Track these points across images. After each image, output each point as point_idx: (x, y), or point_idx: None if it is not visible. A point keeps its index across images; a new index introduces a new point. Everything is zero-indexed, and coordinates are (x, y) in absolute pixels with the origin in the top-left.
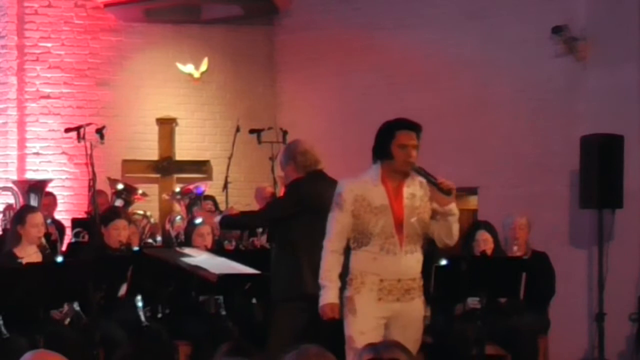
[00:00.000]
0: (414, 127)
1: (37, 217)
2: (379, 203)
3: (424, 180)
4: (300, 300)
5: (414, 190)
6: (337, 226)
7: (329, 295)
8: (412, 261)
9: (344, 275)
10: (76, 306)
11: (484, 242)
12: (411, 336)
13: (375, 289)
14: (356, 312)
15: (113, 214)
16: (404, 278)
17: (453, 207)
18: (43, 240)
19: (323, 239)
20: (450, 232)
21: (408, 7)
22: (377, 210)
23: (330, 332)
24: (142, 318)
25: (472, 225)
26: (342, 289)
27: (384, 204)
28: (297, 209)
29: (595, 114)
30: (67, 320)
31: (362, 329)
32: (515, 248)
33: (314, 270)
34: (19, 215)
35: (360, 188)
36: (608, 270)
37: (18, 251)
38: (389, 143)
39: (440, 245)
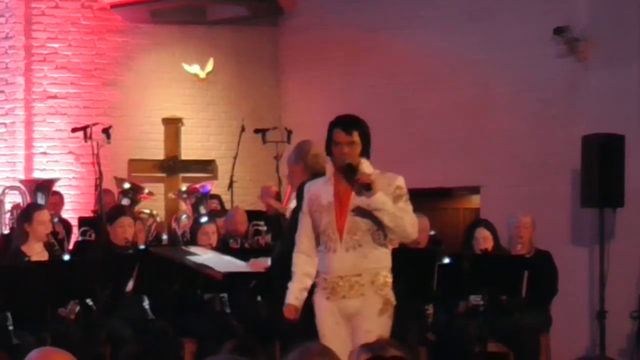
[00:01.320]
0: (347, 124)
1: (44, 215)
2: (327, 201)
3: (382, 175)
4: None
5: None
6: (300, 227)
7: (288, 297)
8: (356, 257)
9: None
10: (89, 301)
11: (484, 239)
12: (361, 328)
13: (322, 287)
14: (316, 315)
15: (118, 212)
16: (347, 274)
17: (372, 202)
18: (50, 237)
19: None
20: (388, 227)
21: (411, 8)
22: (324, 208)
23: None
24: (148, 316)
25: (472, 223)
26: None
27: (330, 201)
28: None
29: (597, 114)
30: (72, 316)
31: (322, 332)
32: (519, 246)
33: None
34: (26, 213)
35: (316, 187)
36: (609, 268)
37: (25, 248)
38: (329, 141)
39: (401, 241)
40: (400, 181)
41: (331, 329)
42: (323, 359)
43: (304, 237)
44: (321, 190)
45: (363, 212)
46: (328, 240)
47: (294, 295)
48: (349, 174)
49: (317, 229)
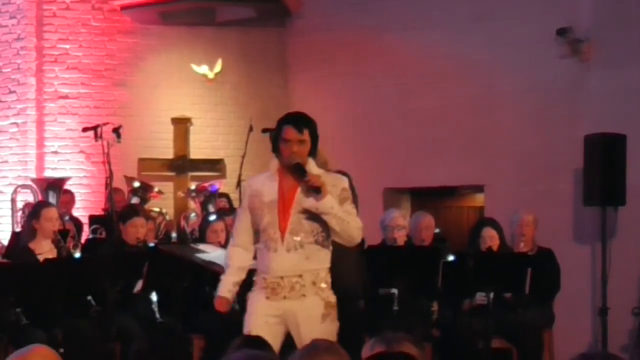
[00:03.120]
0: (299, 122)
1: (52, 212)
2: (270, 198)
3: (329, 176)
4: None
5: None
6: (238, 221)
7: (220, 289)
8: (298, 258)
9: None
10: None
11: (490, 238)
12: (307, 334)
13: (262, 286)
14: (247, 311)
15: (132, 211)
16: (288, 275)
17: (321, 205)
18: (57, 235)
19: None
20: (334, 230)
21: (416, 10)
22: (265, 206)
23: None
24: (157, 313)
25: (478, 222)
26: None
27: (273, 199)
28: None
29: (599, 114)
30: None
31: (249, 329)
32: (522, 244)
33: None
34: (34, 210)
35: (258, 183)
36: (611, 265)
37: (33, 245)
38: (278, 138)
39: (346, 244)
40: (345, 183)
41: (260, 328)
42: (330, 356)
43: (242, 232)
44: (264, 186)
45: (309, 214)
46: (269, 240)
47: (227, 288)
48: (297, 174)
49: (257, 226)
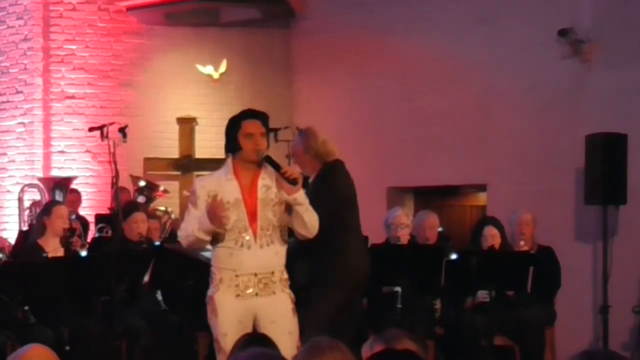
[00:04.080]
0: (259, 116)
1: (62, 210)
2: (232, 197)
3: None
4: (338, 287)
5: (269, 182)
6: (189, 220)
7: (203, 223)
8: (269, 254)
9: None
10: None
11: (492, 237)
12: (284, 329)
13: (233, 285)
14: (217, 313)
15: (131, 208)
16: (261, 272)
17: (299, 196)
18: (67, 233)
19: (354, 227)
20: (303, 222)
21: (420, 11)
22: (230, 205)
23: (357, 319)
24: (162, 304)
25: (480, 221)
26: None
27: (237, 198)
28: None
29: (600, 114)
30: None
31: (224, 331)
32: (522, 243)
33: (347, 258)
34: (46, 207)
35: (212, 184)
36: (612, 264)
37: (42, 242)
38: (236, 134)
39: (299, 237)
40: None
41: (234, 328)
42: (333, 353)
43: (193, 222)
44: (221, 186)
45: (273, 210)
46: (239, 238)
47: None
48: (272, 166)
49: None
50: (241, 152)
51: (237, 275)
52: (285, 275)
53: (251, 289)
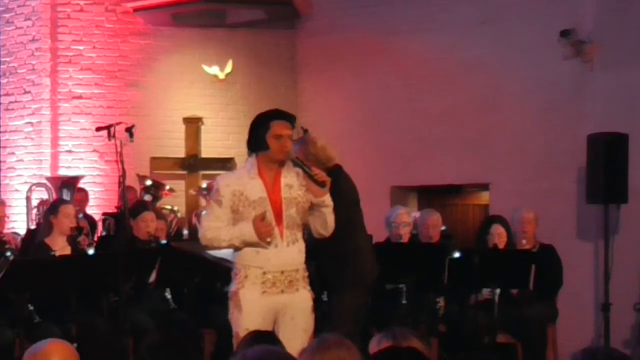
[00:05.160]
0: (288, 117)
1: (69, 208)
2: (257, 196)
3: (300, 171)
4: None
5: (291, 180)
6: (212, 217)
7: (246, 229)
8: (295, 252)
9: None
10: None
11: (499, 235)
12: (300, 326)
13: (259, 282)
14: (242, 308)
15: (141, 207)
16: (287, 269)
17: (327, 198)
18: (74, 231)
19: (362, 228)
20: (325, 223)
21: (423, 12)
22: (256, 204)
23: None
24: (171, 304)
25: (488, 219)
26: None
27: (262, 196)
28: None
29: (601, 114)
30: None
31: (247, 326)
32: (524, 241)
33: (360, 258)
34: (52, 206)
35: (237, 183)
36: (613, 262)
37: (49, 241)
38: (264, 134)
39: (317, 235)
40: None
41: (257, 324)
42: (339, 350)
43: (218, 221)
44: (245, 185)
45: (295, 209)
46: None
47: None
48: (303, 169)
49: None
50: (268, 152)
51: (264, 273)
52: (306, 273)
53: (277, 286)
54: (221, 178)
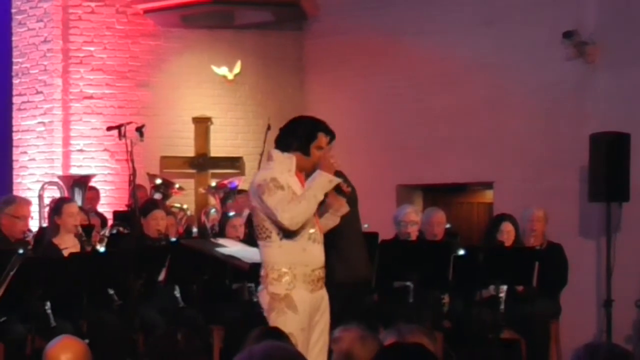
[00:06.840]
0: (333, 134)
1: (73, 207)
2: (299, 192)
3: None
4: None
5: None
6: (282, 200)
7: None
8: (323, 248)
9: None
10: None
11: (507, 233)
12: (326, 321)
13: (308, 280)
14: (297, 309)
15: (151, 205)
16: (323, 266)
17: (345, 209)
18: (79, 229)
19: (355, 230)
20: (328, 226)
21: (428, 13)
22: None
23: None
24: (180, 302)
25: (497, 216)
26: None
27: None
28: None
29: (604, 114)
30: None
31: (303, 326)
32: (532, 239)
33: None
34: (56, 207)
35: (283, 178)
36: (615, 259)
37: (57, 241)
38: (309, 141)
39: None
40: None
41: (308, 322)
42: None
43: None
44: (289, 180)
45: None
46: (312, 233)
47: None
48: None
49: None
50: (308, 158)
51: (312, 270)
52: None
53: (318, 282)
54: (266, 173)
